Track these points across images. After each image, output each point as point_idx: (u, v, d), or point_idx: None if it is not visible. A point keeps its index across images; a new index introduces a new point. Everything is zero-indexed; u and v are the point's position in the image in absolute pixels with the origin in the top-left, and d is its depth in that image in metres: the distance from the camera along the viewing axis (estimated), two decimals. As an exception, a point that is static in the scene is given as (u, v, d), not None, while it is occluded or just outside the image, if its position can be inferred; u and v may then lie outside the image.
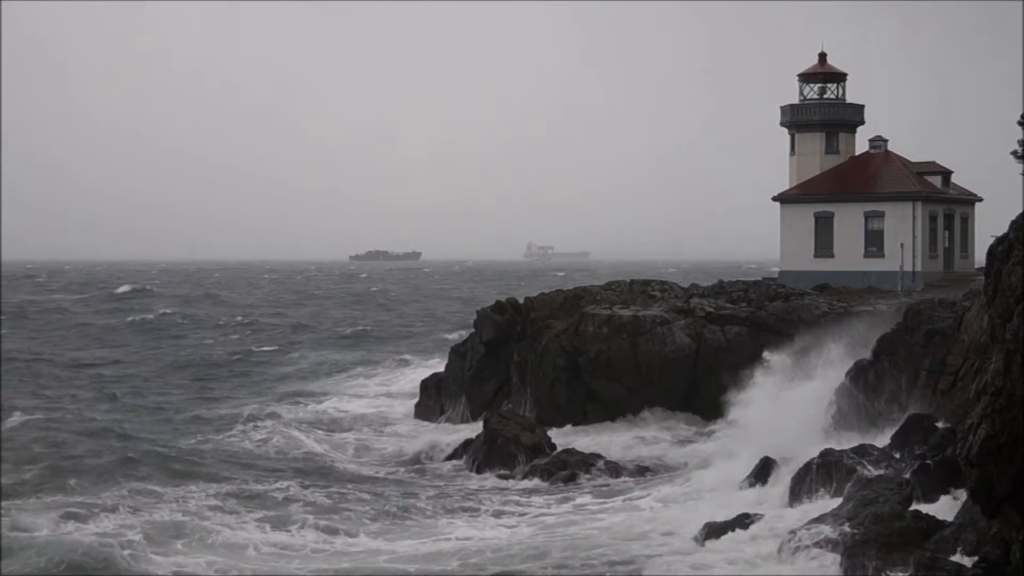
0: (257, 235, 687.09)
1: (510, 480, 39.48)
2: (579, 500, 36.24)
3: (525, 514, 34.33)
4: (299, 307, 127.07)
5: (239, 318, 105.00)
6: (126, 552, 28.38)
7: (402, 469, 42.38)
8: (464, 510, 34.96)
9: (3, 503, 32.70)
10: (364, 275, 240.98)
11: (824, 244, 60.98)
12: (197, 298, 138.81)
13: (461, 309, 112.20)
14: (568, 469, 39.50)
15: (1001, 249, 21.95)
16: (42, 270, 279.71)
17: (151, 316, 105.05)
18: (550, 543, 30.45)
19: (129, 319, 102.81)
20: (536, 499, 36.39)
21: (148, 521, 31.92)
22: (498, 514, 34.45)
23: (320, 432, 48.46)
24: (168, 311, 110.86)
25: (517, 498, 36.56)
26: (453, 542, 30.98)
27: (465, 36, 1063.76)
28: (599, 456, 40.89)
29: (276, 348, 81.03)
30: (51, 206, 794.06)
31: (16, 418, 46.26)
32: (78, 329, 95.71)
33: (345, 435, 48.47)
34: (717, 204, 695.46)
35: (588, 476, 39.14)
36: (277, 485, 36.93)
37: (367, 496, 36.30)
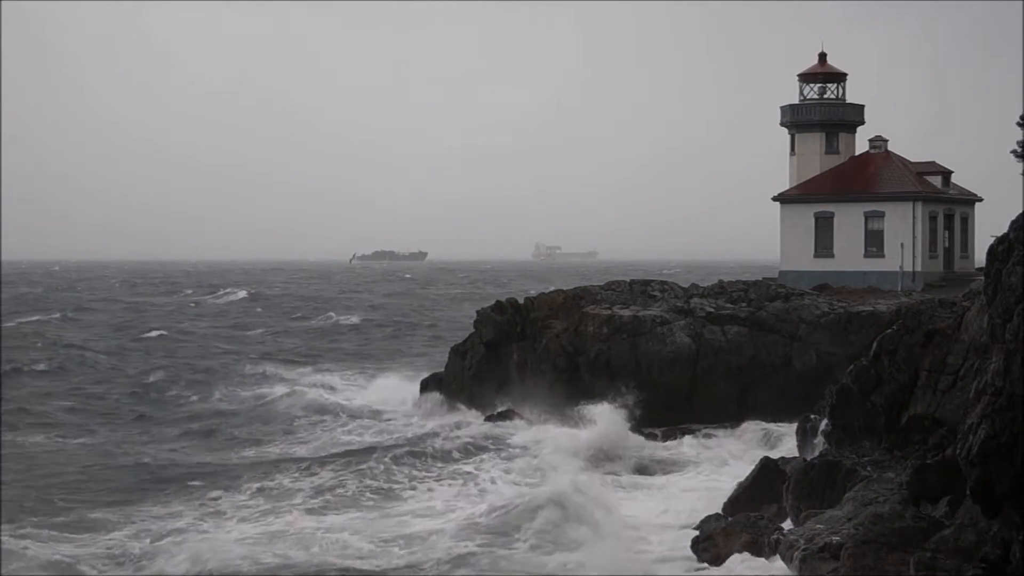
0: (259, 235, 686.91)
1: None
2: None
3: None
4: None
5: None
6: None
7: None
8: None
9: None
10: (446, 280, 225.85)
11: (824, 244, 60.99)
12: (382, 305, 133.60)
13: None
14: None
15: (1001, 249, 21.93)
16: (72, 269, 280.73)
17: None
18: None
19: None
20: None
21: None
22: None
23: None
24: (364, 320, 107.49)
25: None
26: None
27: (470, 35, 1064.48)
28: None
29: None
30: (55, 206, 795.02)
31: None
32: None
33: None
34: (725, 202, 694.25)
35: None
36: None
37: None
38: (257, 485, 36.71)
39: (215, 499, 35.15)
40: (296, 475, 38.33)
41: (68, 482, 37.91)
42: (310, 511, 33.75)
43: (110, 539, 30.51)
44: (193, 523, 32.12)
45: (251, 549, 29.13)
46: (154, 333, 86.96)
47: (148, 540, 30.19)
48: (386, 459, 40.10)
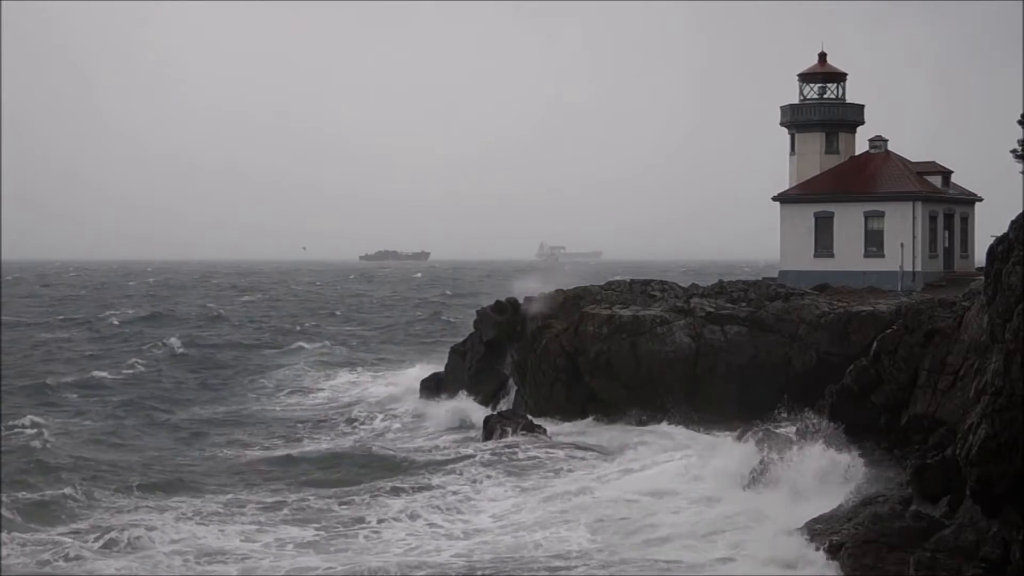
0: (262, 236, 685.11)
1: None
2: (573, 497, 36.26)
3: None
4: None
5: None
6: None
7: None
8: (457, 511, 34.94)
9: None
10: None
11: (824, 244, 60.96)
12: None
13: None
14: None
15: (1001, 249, 22.00)
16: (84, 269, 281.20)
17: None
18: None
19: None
20: (533, 495, 36.36)
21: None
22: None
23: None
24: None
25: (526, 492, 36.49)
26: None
27: (473, 34, 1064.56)
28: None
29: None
30: (56, 207, 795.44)
31: None
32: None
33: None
34: (728, 202, 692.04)
35: (583, 473, 39.15)
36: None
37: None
38: (233, 493, 36.39)
39: (193, 503, 34.72)
40: (285, 480, 38.31)
41: (50, 472, 38.26)
42: (277, 521, 33.21)
43: (56, 532, 30.79)
44: (139, 523, 31.67)
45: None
46: (179, 335, 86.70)
47: (90, 538, 30.15)
48: (375, 463, 40.21)
